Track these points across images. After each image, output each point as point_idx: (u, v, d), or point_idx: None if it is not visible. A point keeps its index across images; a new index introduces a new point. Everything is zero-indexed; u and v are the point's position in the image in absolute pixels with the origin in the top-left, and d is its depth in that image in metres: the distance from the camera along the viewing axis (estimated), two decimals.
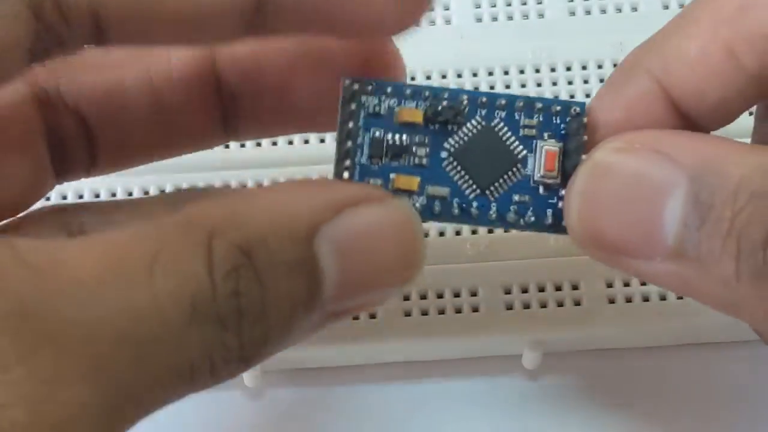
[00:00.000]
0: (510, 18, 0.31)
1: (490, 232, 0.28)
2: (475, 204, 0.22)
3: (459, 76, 0.30)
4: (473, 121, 0.23)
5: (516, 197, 0.22)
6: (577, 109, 0.22)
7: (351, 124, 0.22)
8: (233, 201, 0.20)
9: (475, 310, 0.27)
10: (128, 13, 0.22)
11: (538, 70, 0.30)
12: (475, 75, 0.30)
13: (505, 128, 0.23)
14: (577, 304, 0.27)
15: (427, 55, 0.30)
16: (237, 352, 0.19)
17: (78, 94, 0.24)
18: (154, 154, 0.25)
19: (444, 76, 0.30)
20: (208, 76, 0.24)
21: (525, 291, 0.27)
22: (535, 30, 0.31)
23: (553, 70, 0.30)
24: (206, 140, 0.25)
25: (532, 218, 0.22)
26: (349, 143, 0.22)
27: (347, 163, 0.22)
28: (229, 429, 0.27)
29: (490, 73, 0.30)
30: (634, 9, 0.31)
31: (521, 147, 0.23)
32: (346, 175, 0.22)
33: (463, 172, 0.23)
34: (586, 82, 0.30)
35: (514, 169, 0.23)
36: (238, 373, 0.20)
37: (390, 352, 0.27)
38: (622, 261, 0.20)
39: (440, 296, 0.27)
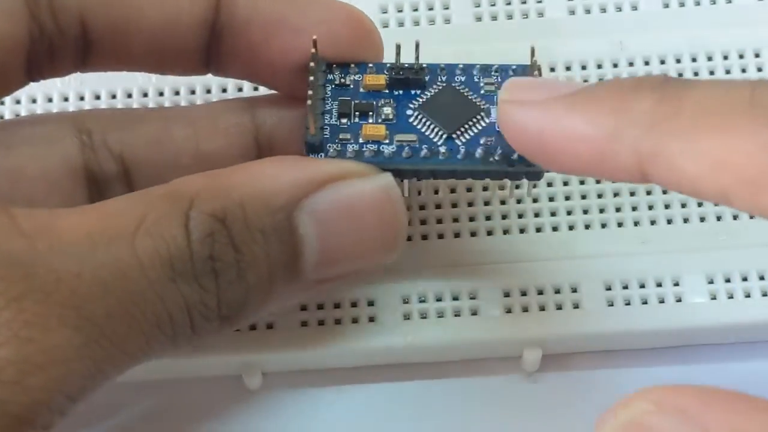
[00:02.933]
0: (510, 17, 0.31)
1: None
2: (443, 148, 0.24)
3: None
4: (435, 84, 0.25)
5: (482, 140, 0.24)
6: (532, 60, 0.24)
7: (319, 93, 0.24)
8: (217, 173, 0.22)
9: (474, 312, 0.27)
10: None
11: None
12: None
13: (466, 88, 0.25)
14: (576, 306, 0.27)
15: (426, 54, 0.30)
16: (215, 311, 0.21)
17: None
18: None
19: None
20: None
21: (524, 294, 0.27)
22: (534, 29, 0.31)
23: (552, 69, 0.30)
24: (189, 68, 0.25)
25: (500, 153, 0.23)
26: (318, 109, 0.24)
27: (317, 125, 0.23)
28: (229, 430, 0.27)
29: None
30: (634, 8, 0.31)
31: (483, 101, 0.24)
32: (315, 138, 0.23)
33: (429, 123, 0.24)
34: (585, 81, 0.30)
35: (478, 117, 0.24)
36: (221, 331, 0.22)
37: (389, 354, 0.27)
38: None
39: (439, 299, 0.27)
